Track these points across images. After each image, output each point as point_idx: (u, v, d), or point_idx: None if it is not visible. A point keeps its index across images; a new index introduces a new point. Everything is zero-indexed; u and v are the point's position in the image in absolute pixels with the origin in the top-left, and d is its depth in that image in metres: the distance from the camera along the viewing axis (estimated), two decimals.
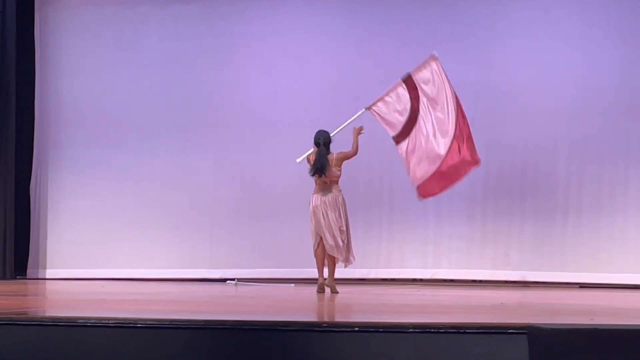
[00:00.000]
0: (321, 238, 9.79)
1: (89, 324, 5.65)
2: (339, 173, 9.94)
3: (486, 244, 12.17)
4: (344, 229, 9.79)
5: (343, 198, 9.92)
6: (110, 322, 5.67)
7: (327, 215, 9.78)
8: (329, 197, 9.83)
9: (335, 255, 9.77)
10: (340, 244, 9.71)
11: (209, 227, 12.71)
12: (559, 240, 11.95)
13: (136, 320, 5.66)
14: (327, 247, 9.76)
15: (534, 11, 12.18)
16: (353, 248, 9.91)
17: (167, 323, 5.63)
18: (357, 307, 8.21)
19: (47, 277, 12.94)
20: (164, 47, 12.98)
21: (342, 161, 9.97)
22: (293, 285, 11.58)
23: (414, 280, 12.21)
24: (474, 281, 12.10)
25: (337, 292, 9.69)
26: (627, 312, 7.58)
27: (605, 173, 11.87)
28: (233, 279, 12.09)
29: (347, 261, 9.85)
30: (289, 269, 12.11)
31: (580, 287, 11.62)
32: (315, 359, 5.42)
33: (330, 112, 12.45)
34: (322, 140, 9.97)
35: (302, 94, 12.58)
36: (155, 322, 5.64)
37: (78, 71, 13.13)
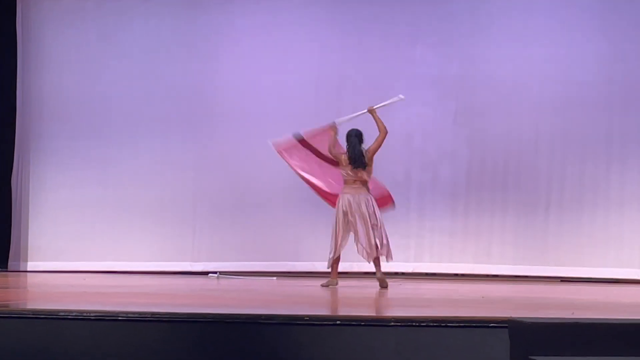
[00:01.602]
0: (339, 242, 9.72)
1: (70, 317, 5.63)
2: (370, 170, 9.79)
3: (468, 238, 12.20)
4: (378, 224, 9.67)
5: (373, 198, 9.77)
6: (91, 314, 5.65)
7: (357, 219, 9.68)
8: (357, 198, 9.69)
9: (374, 255, 9.66)
10: (375, 242, 9.61)
11: (191, 220, 12.69)
12: (541, 235, 11.99)
13: (117, 313, 5.65)
14: (358, 248, 9.67)
15: (516, 5, 12.22)
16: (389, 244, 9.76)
17: (149, 316, 5.62)
18: (339, 301, 8.22)
19: (28, 269, 12.89)
20: (147, 40, 12.93)
21: (373, 155, 9.75)
22: (275, 278, 11.58)
23: (396, 273, 12.20)
24: (455, 275, 12.13)
25: (386, 287, 9.69)
26: (607, 306, 7.61)
27: (587, 168, 11.92)
28: (215, 272, 12.07)
29: (388, 255, 9.71)
30: (271, 262, 12.12)
31: (562, 281, 11.67)
32: (297, 352, 5.42)
33: (313, 106, 12.47)
34: (354, 132, 9.80)
35: (285, 88, 12.57)
36: (137, 315, 5.63)
37: (60, 64, 13.08)
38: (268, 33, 12.66)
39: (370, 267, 12.27)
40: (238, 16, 12.75)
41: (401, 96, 10.15)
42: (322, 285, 9.66)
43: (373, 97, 12.10)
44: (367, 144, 9.76)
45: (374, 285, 9.96)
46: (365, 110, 9.98)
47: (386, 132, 9.74)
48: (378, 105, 9.97)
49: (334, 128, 9.94)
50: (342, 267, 11.86)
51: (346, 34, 12.56)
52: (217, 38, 12.80)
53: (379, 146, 9.72)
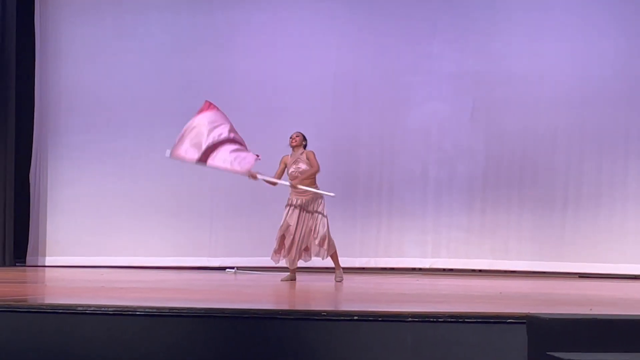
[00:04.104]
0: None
1: (88, 312, 5.65)
2: None
3: (485, 234, 12.18)
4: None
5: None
6: (109, 309, 5.66)
7: None
8: None
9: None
10: None
11: (208, 215, 12.71)
12: (558, 231, 11.96)
13: (135, 308, 5.66)
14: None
15: (534, 1, 12.17)
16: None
17: (167, 311, 5.63)
18: (356, 296, 8.21)
19: (46, 264, 12.95)
20: (163, 35, 12.96)
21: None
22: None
23: (413, 269, 12.23)
24: (472, 271, 12.11)
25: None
26: (625, 302, 7.58)
27: (605, 163, 11.88)
28: (232, 267, 12.10)
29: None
30: None
31: (579, 277, 11.63)
32: (314, 348, 5.42)
33: (330, 100, 12.47)
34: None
35: (302, 82, 12.57)
36: (155, 310, 5.64)
37: (78, 58, 13.12)
38: (284, 28, 12.67)
39: (387, 263, 12.34)
40: (254, 11, 12.76)
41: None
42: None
43: (389, 92, 12.16)
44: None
45: (390, 281, 9.95)
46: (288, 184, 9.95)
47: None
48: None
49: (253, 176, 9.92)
50: (359, 262, 11.95)
51: (363, 29, 12.55)
52: (233, 33, 12.80)
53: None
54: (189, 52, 12.83)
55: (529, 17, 12.12)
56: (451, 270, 12.16)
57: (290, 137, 10.02)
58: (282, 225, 9.88)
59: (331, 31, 12.58)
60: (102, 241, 12.79)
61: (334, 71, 12.51)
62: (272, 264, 12.12)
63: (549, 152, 12.04)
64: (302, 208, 9.82)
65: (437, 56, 12.32)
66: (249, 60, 12.69)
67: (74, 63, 13.13)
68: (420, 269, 12.20)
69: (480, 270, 12.08)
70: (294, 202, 9.87)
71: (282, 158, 10.06)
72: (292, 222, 9.79)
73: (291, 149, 10.01)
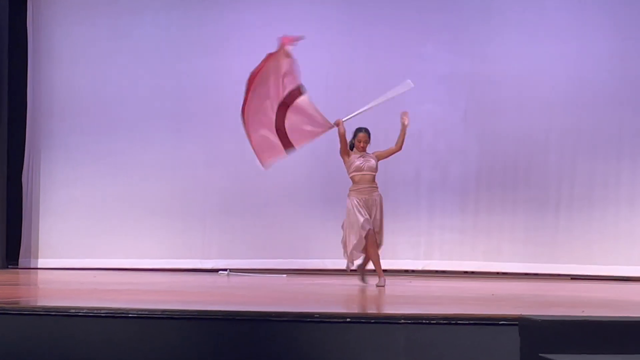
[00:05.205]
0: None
1: (80, 314, 5.64)
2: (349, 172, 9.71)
3: (478, 236, 12.19)
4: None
5: (348, 200, 9.66)
6: (102, 312, 5.66)
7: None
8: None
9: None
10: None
11: (201, 217, 12.70)
12: (551, 232, 11.97)
13: (128, 310, 5.66)
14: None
15: (528, 2, 12.19)
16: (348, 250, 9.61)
17: (159, 313, 5.63)
18: (349, 298, 8.21)
19: (39, 266, 12.94)
20: (157, 37, 12.96)
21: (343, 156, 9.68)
22: (285, 275, 11.59)
23: (406, 271, 12.22)
24: (465, 272, 12.12)
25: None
26: (618, 304, 7.59)
27: (598, 165, 11.89)
28: (225, 270, 12.10)
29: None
30: (281, 260, 12.12)
31: (572, 279, 11.64)
32: (307, 350, 5.42)
33: (323, 102, 12.44)
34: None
35: None
36: (147, 312, 5.64)
37: (71, 60, 13.10)
38: (278, 29, 12.60)
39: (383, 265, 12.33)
40: (248, 12, 12.76)
41: (409, 82, 9.94)
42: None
43: (382, 94, 12.13)
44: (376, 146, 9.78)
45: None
46: (368, 107, 9.81)
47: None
48: (385, 97, 9.85)
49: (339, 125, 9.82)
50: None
51: (356, 30, 12.56)
52: (227, 34, 12.81)
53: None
54: (182, 53, 12.83)
55: (523, 18, 12.14)
56: (444, 272, 12.17)
57: (360, 142, 9.72)
58: (358, 225, 9.50)
59: (324, 32, 12.57)
60: (95, 243, 12.78)
61: (327, 72, 12.51)
62: (265, 266, 12.20)
63: (542, 154, 12.06)
64: (368, 205, 9.57)
65: (430, 58, 12.33)
66: (243, 61, 12.62)
67: (67, 64, 13.11)
68: (413, 271, 12.20)
69: (472, 272, 12.09)
70: (360, 202, 9.61)
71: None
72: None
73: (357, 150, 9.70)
